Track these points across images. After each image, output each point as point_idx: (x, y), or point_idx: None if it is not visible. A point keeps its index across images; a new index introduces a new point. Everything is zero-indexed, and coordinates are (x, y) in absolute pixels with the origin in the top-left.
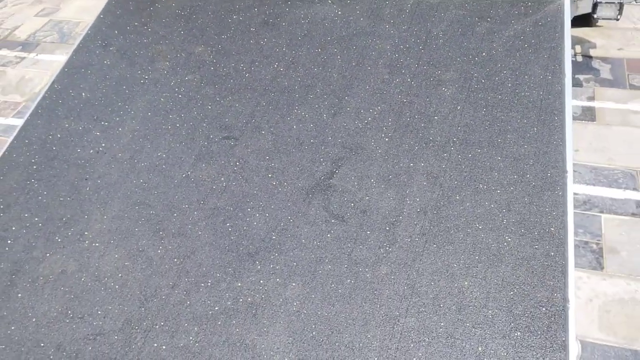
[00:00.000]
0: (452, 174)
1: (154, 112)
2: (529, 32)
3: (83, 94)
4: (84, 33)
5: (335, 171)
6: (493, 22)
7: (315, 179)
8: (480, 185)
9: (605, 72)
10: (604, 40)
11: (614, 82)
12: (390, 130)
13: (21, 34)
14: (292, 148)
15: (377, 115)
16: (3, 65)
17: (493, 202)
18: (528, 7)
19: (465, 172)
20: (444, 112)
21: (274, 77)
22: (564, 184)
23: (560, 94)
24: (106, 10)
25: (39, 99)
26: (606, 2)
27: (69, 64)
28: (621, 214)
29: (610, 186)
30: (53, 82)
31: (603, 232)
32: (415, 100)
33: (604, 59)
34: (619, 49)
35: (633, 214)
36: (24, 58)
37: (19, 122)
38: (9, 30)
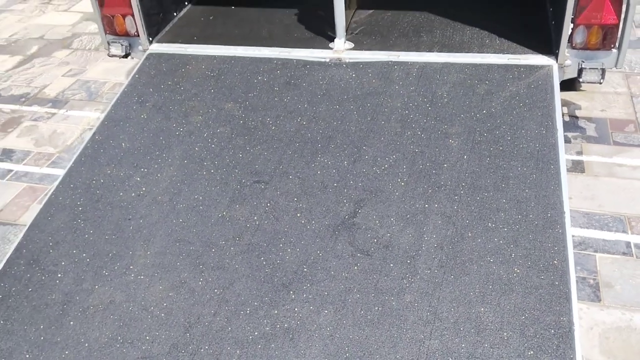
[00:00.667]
0: (463, 214)
1: (189, 160)
2: (523, 94)
3: (123, 144)
4: (120, 90)
5: (357, 211)
6: (491, 84)
7: (340, 218)
8: (489, 224)
9: (590, 130)
10: (587, 103)
11: (599, 139)
12: (405, 175)
13: (50, 92)
14: (317, 191)
15: (392, 163)
16: (35, 120)
17: (502, 239)
18: (521, 72)
19: (475, 212)
20: (452, 160)
21: (298, 129)
22: (563, 223)
23: (554, 146)
24: (140, 71)
25: (81, 148)
26: (590, 68)
27: (108, 118)
28: (613, 253)
29: (602, 229)
30: (94, 134)
31: (598, 269)
32: (426, 150)
33: (589, 119)
34: (601, 110)
35: (624, 253)
36: (54, 114)
37: (54, 171)
38: (39, 89)
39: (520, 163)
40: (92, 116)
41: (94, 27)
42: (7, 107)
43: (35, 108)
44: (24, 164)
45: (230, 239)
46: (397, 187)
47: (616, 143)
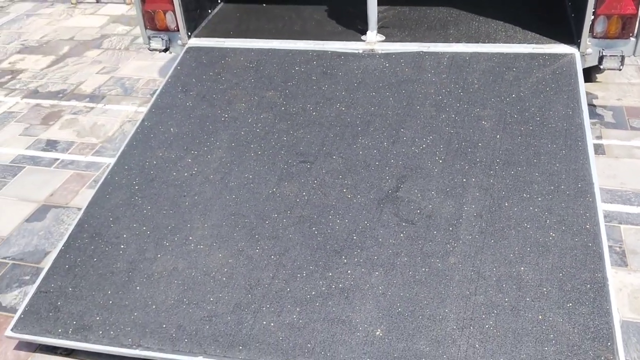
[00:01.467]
0: (499, 186)
1: (237, 143)
2: (549, 79)
3: (171, 129)
4: (164, 81)
5: (400, 186)
6: (518, 71)
7: (384, 192)
8: (524, 195)
9: (608, 117)
10: (604, 93)
11: (617, 125)
12: (442, 154)
13: (86, 88)
14: (360, 169)
15: (430, 143)
16: (74, 113)
17: (536, 207)
18: (546, 60)
19: (510, 185)
20: (486, 140)
21: (338, 114)
22: (593, 193)
23: (581, 126)
24: (182, 63)
25: (132, 133)
26: (610, 55)
27: (155, 105)
28: (637, 224)
29: (624, 204)
30: (143, 120)
31: (623, 238)
32: (460, 131)
33: (606, 107)
34: (617, 99)
35: None
36: (92, 108)
37: (99, 159)
38: (75, 85)
39: (550, 141)
40: (130, 109)
41: (122, 28)
42: (47, 102)
43: (73, 102)
44: (69, 153)
45: (282, 212)
46: (435, 164)
47: (633, 128)
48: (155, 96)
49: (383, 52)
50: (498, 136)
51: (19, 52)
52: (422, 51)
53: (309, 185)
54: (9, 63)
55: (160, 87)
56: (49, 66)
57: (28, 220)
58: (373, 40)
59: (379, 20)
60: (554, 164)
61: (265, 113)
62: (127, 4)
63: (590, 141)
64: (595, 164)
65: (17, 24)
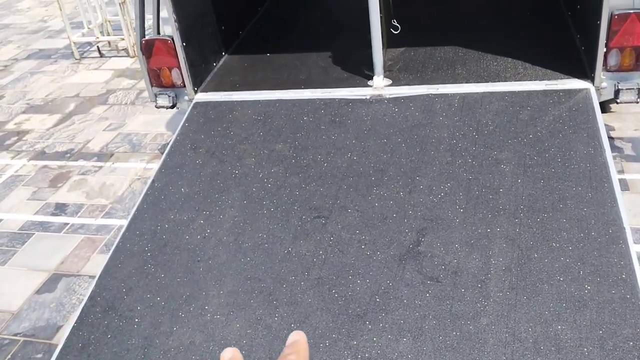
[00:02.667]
0: (526, 236)
1: (249, 201)
2: (566, 117)
3: (182, 189)
4: (173, 139)
5: (421, 239)
6: (533, 110)
7: (404, 247)
8: (554, 244)
9: (627, 149)
10: (620, 124)
11: (638, 157)
12: (462, 202)
13: (94, 147)
14: (378, 222)
15: (448, 191)
16: (83, 174)
17: (568, 257)
18: (560, 96)
19: (538, 233)
20: (507, 185)
21: (350, 164)
22: (625, 239)
23: (605, 165)
24: (190, 119)
25: (142, 196)
26: (626, 89)
27: (164, 165)
28: None
29: None
30: (153, 181)
31: None
32: (479, 177)
33: (624, 139)
34: (635, 130)
35: None
36: (101, 167)
37: (110, 222)
38: (82, 144)
39: (575, 183)
40: (138, 167)
41: (127, 82)
42: (54, 164)
43: (81, 162)
44: (78, 217)
45: (299, 273)
46: (456, 214)
47: None
48: (164, 155)
49: (391, 96)
50: (519, 180)
51: (24, 112)
52: (431, 94)
53: (325, 242)
54: (15, 124)
55: (169, 145)
56: (55, 125)
57: (39, 291)
58: (380, 85)
59: (384, 64)
60: (582, 208)
61: (276, 167)
62: (131, 57)
63: (617, 181)
64: (624, 205)
65: (22, 83)
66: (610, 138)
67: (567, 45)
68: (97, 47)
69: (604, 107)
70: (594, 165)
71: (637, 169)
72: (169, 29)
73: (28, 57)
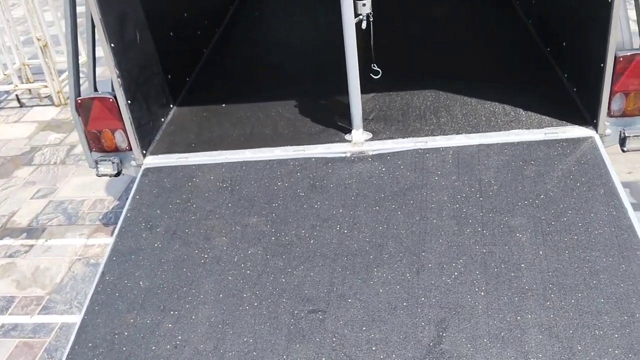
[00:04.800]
0: (563, 323)
1: (225, 294)
2: (576, 171)
3: (141, 282)
4: (122, 216)
5: (442, 335)
6: (537, 164)
7: (424, 346)
8: (596, 332)
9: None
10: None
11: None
12: (482, 283)
13: (22, 220)
14: (386, 314)
15: (462, 269)
16: (10, 256)
17: (616, 348)
18: (564, 147)
19: (576, 319)
20: (529, 259)
21: (341, 240)
22: None
23: (631, 228)
24: (140, 190)
25: (91, 293)
26: (634, 136)
27: (115, 251)
28: None
29: None
30: (103, 273)
31: None
32: (494, 249)
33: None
34: (628, 173)
35: None
36: (32, 246)
37: (49, 319)
38: (7, 217)
39: (603, 253)
40: (77, 243)
41: (54, 137)
42: None
43: (8, 241)
44: (9, 314)
45: None
46: (477, 298)
47: None
48: (114, 237)
49: (375, 153)
50: (541, 252)
51: None
52: (420, 148)
53: (327, 345)
54: None
55: (119, 224)
56: None
57: None
58: (360, 140)
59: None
60: (617, 284)
61: (253, 247)
62: (57, 106)
63: None
64: None
65: None
66: None
67: (555, 86)
68: (16, 95)
69: None
70: (620, 230)
71: None
72: (109, 86)
73: None
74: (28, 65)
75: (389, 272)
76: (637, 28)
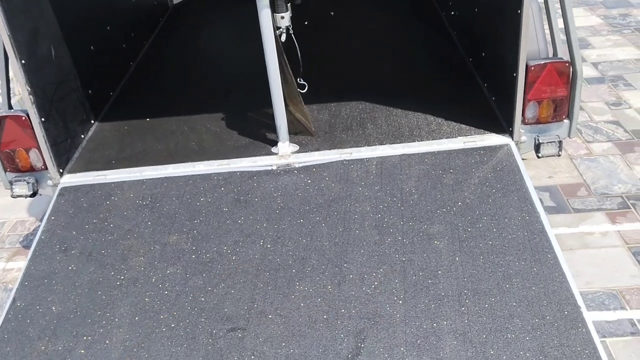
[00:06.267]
0: (477, 328)
1: (141, 316)
2: (492, 178)
3: (53, 307)
4: (36, 238)
5: (360, 345)
6: (456, 172)
7: (342, 358)
8: (509, 335)
9: (546, 200)
10: (532, 171)
11: (559, 209)
12: (400, 292)
13: None
14: (306, 329)
15: (382, 279)
16: None
17: (527, 350)
18: (482, 155)
19: (489, 324)
20: (445, 265)
21: (264, 255)
22: (584, 320)
23: (543, 232)
24: (56, 211)
25: (0, 321)
26: (547, 142)
27: (27, 276)
28: (622, 335)
29: (600, 309)
30: (14, 300)
31: (614, 356)
32: (413, 257)
33: (539, 187)
34: (549, 177)
35: (632, 333)
36: None
37: None
38: None
39: (516, 257)
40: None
41: None
42: None
43: None
44: None
45: None
46: (395, 307)
47: (576, 210)
48: (27, 262)
49: (301, 165)
50: (457, 259)
51: None
52: (345, 160)
53: None
54: None
55: (32, 247)
56: None
57: None
58: (287, 153)
59: (288, 127)
60: (529, 287)
61: (172, 267)
62: None
63: (559, 251)
64: (573, 278)
65: None
66: None
67: (476, 96)
68: None
69: None
70: (532, 234)
71: (560, 222)
72: (23, 103)
73: None
74: None
75: (310, 286)
76: (564, 36)
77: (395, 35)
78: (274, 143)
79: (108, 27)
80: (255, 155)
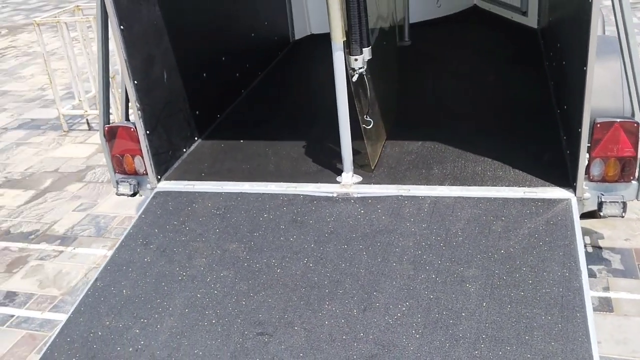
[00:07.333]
0: None
1: (190, 309)
2: (542, 231)
3: (124, 291)
4: (126, 232)
5: None
6: (507, 220)
7: None
8: None
9: (616, 262)
10: (610, 232)
11: (626, 272)
12: (420, 326)
13: (60, 228)
14: (324, 345)
15: (405, 312)
16: (41, 258)
17: None
18: (539, 207)
19: None
20: (471, 308)
21: (304, 272)
22: None
23: (579, 291)
24: (147, 210)
25: (81, 296)
26: (610, 202)
27: (111, 262)
28: None
29: None
30: (96, 280)
31: None
32: (441, 296)
33: (613, 249)
34: (625, 240)
35: None
36: (61, 252)
37: (55, 317)
38: (48, 225)
39: (544, 311)
40: (98, 254)
41: None
42: (15, 246)
43: (43, 246)
44: (25, 309)
45: None
46: (411, 340)
47: None
48: (113, 250)
49: (359, 196)
50: (484, 304)
51: (0, 186)
52: (401, 195)
53: None
54: None
55: (120, 239)
56: (27, 202)
57: None
58: (349, 183)
59: (357, 158)
60: (549, 342)
61: (226, 270)
62: None
63: (590, 311)
64: (596, 338)
65: (5, 154)
66: (598, 248)
67: (553, 148)
68: (87, 119)
69: (594, 213)
70: (567, 291)
71: (624, 286)
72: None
73: (18, 127)
74: None
75: (338, 307)
76: None
77: (489, 80)
78: (340, 172)
79: (223, 58)
80: (320, 182)
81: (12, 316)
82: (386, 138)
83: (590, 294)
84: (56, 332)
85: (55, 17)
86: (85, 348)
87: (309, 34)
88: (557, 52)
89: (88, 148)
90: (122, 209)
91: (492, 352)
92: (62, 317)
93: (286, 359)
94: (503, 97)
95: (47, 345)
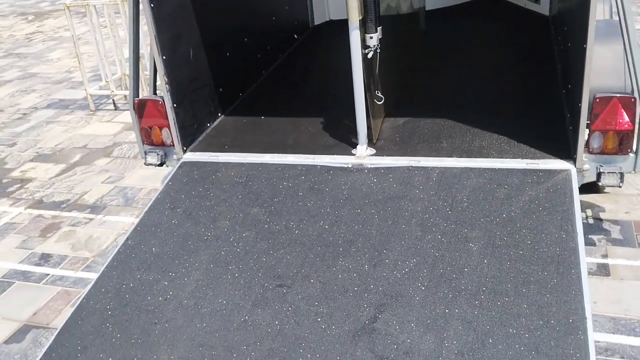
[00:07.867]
0: (484, 319)
1: (215, 264)
2: (542, 197)
3: (153, 249)
4: (154, 197)
5: (378, 316)
6: (510, 188)
7: (360, 323)
8: (510, 330)
9: (615, 232)
10: (612, 205)
11: (624, 242)
12: (425, 280)
13: (90, 199)
14: (338, 295)
15: (413, 267)
16: (74, 225)
17: (522, 345)
18: (540, 177)
19: (496, 318)
20: (473, 264)
21: (320, 233)
22: (585, 329)
23: (575, 250)
24: (174, 178)
25: (114, 253)
26: (608, 172)
27: (141, 223)
28: None
29: (628, 334)
30: (127, 239)
31: None
32: (446, 254)
33: (614, 221)
34: (626, 212)
35: None
36: (92, 219)
37: (88, 275)
38: (79, 195)
39: (541, 267)
40: (127, 221)
41: (134, 136)
42: (49, 213)
43: (74, 213)
44: (60, 268)
45: (251, 343)
46: (417, 291)
47: None
48: (143, 213)
49: (372, 166)
50: (485, 261)
51: (32, 160)
52: (411, 166)
53: (282, 313)
54: (21, 172)
55: (150, 203)
56: (58, 175)
57: (7, 341)
58: (363, 155)
59: (367, 134)
60: (544, 294)
61: (248, 231)
62: None
63: (584, 268)
64: (590, 293)
65: (36, 131)
66: (599, 220)
67: (557, 124)
68: (113, 100)
69: (598, 187)
70: (564, 250)
71: (621, 254)
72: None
73: (47, 107)
74: (127, 75)
75: (351, 262)
76: None
77: (501, 64)
78: (355, 145)
79: (245, 39)
80: (336, 154)
81: (47, 275)
82: (384, 115)
83: (585, 253)
84: (92, 284)
85: (85, 0)
86: (118, 297)
87: (328, 19)
88: (565, 36)
89: (115, 126)
90: (149, 181)
91: (492, 302)
92: (94, 276)
93: (302, 307)
94: (513, 80)
95: (83, 294)
